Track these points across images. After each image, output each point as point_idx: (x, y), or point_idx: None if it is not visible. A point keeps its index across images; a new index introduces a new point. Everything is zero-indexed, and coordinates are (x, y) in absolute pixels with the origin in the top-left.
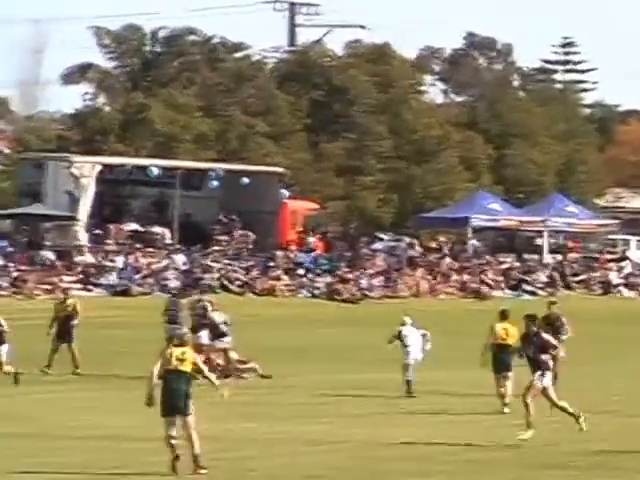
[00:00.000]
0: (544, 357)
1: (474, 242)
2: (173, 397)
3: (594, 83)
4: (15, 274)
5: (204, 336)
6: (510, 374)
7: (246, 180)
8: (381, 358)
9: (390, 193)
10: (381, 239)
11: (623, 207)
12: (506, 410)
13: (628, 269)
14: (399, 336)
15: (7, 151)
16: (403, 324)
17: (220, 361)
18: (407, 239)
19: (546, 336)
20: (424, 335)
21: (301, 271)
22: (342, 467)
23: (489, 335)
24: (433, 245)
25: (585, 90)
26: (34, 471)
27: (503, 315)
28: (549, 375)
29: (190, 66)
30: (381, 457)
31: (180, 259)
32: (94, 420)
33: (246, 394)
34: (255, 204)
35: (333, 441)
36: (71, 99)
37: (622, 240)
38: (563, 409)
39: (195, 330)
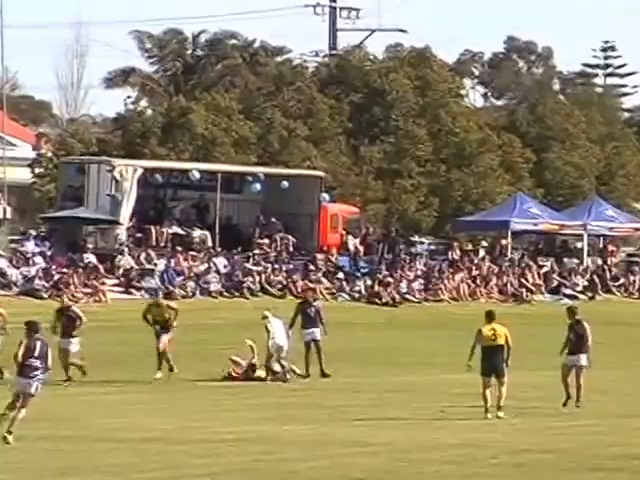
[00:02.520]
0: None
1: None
2: None
3: (634, 87)
4: (56, 277)
5: (75, 343)
6: (505, 379)
7: (286, 184)
8: (420, 361)
9: (430, 196)
10: (421, 242)
11: None
12: (492, 415)
13: None
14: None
15: (50, 154)
16: (265, 317)
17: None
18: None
19: (586, 324)
20: (284, 324)
21: (341, 274)
22: (384, 469)
23: (475, 338)
24: (470, 247)
25: (625, 94)
26: (86, 472)
27: (490, 316)
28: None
29: (231, 70)
30: (422, 460)
31: (221, 262)
32: (135, 422)
33: (286, 396)
34: (295, 207)
35: (374, 443)
36: (113, 103)
37: None
38: None
39: (66, 335)
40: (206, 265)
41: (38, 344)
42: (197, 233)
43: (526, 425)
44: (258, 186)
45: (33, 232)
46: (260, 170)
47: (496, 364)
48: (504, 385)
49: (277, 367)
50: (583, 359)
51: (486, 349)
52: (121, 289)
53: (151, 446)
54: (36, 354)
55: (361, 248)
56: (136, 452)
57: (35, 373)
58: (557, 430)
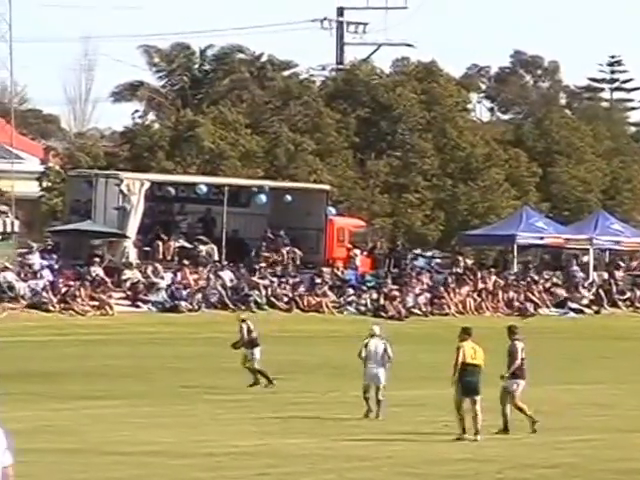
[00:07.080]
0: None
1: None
2: None
3: None
4: (64, 290)
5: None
6: (478, 398)
7: (289, 197)
8: (425, 375)
9: (436, 210)
10: (430, 257)
11: None
12: (476, 437)
13: None
14: (365, 348)
15: (57, 168)
16: (372, 335)
17: None
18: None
19: (518, 344)
20: (386, 349)
21: (347, 288)
22: None
23: (456, 355)
24: (470, 262)
25: (632, 109)
26: None
27: (467, 332)
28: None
29: (239, 84)
30: (427, 474)
31: (227, 276)
32: (139, 435)
33: (290, 410)
34: (302, 221)
35: (379, 457)
36: (121, 117)
37: None
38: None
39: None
40: (212, 278)
41: None
42: (204, 247)
43: (531, 440)
44: (263, 197)
45: (35, 245)
46: (265, 184)
47: (476, 383)
48: (477, 404)
49: (371, 401)
50: (517, 383)
51: (468, 367)
52: (128, 302)
53: (155, 459)
54: None
55: (367, 261)
56: (140, 465)
57: None
58: (562, 445)
